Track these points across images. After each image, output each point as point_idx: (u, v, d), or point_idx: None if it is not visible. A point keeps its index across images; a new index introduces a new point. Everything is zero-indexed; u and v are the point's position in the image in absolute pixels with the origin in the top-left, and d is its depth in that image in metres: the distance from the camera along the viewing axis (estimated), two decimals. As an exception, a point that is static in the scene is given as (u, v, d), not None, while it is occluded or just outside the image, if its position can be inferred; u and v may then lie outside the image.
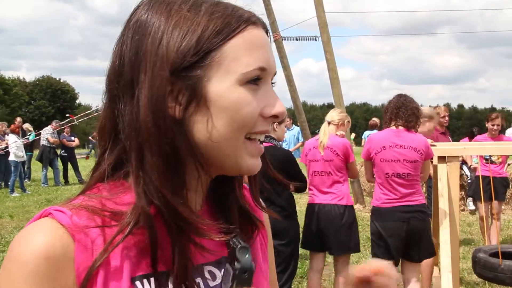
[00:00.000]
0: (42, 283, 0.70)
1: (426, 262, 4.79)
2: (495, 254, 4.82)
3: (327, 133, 4.69)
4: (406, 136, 4.20)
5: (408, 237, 4.19)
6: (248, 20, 0.79)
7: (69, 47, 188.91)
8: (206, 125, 0.76)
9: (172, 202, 0.75)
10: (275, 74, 0.84)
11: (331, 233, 4.48)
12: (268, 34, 0.84)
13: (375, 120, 14.12)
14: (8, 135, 14.98)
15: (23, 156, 14.42)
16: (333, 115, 4.83)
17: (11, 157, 13.99)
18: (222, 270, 0.86)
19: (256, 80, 0.78)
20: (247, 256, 0.65)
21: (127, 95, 0.77)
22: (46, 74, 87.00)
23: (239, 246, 0.65)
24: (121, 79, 0.78)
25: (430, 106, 7.40)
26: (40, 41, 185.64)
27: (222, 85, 0.76)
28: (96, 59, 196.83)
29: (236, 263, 0.65)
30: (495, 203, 7.20)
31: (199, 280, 0.82)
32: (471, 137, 8.07)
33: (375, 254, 4.39)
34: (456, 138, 7.72)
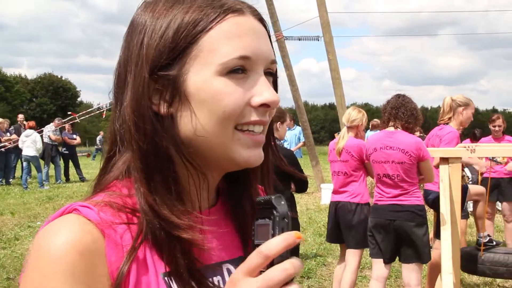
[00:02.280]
0: (78, 278, 0.68)
1: (431, 266, 4.79)
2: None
3: (345, 138, 4.85)
4: (398, 138, 4.19)
5: (396, 236, 4.21)
6: (229, 9, 0.76)
7: (70, 44, 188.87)
8: (190, 119, 0.76)
9: (149, 201, 0.74)
10: (272, 63, 0.80)
11: (345, 228, 4.80)
12: (265, 22, 0.82)
13: (377, 120, 14.10)
14: (9, 132, 15.05)
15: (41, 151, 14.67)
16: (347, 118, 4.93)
17: (31, 152, 14.09)
18: None
19: (239, 69, 0.75)
20: (282, 202, 0.65)
21: (122, 97, 0.79)
22: (47, 71, 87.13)
23: (274, 196, 0.66)
24: (119, 81, 0.80)
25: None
26: (41, 38, 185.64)
27: (200, 78, 0.75)
28: (97, 57, 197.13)
29: (274, 212, 0.65)
30: (505, 204, 7.15)
31: (218, 278, 0.81)
32: (473, 138, 8.07)
33: (370, 251, 4.53)
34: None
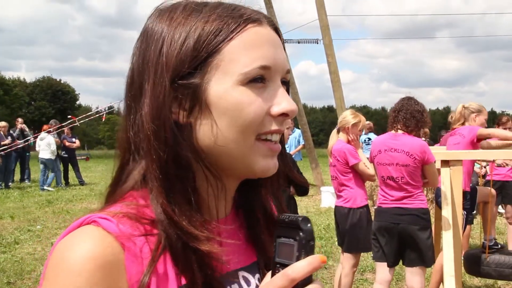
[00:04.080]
0: None
1: (436, 268, 4.79)
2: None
3: (333, 139, 4.94)
4: (402, 140, 4.18)
5: (400, 240, 4.20)
6: (248, 19, 0.77)
7: (68, 47, 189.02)
8: (210, 128, 0.75)
9: (168, 211, 0.74)
10: (287, 72, 0.81)
11: (341, 232, 4.89)
12: (280, 32, 0.83)
13: (369, 123, 14.08)
14: (11, 136, 15.14)
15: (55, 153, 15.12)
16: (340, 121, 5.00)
17: (47, 155, 14.59)
18: (256, 276, 0.86)
19: (260, 79, 0.76)
20: (309, 225, 0.66)
21: (137, 105, 0.78)
22: (45, 74, 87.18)
23: (301, 218, 0.67)
24: (132, 89, 0.79)
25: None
26: (39, 41, 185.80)
27: (221, 87, 0.75)
28: (95, 60, 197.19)
29: (301, 234, 0.66)
30: (508, 207, 7.15)
31: (235, 286, 0.82)
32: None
33: (373, 254, 4.51)
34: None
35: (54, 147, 14.88)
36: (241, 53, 0.75)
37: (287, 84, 0.83)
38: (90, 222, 0.72)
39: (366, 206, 4.84)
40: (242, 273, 0.84)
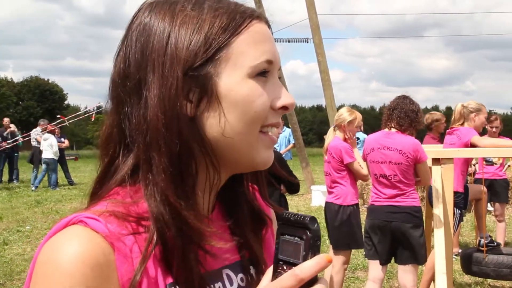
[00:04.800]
0: None
1: (428, 266, 4.81)
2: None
3: (330, 137, 4.97)
4: (395, 138, 4.20)
5: (393, 238, 4.22)
6: (252, 15, 0.79)
7: (56, 47, 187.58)
8: (218, 120, 0.76)
9: (176, 206, 0.73)
10: (279, 69, 0.84)
11: (330, 229, 4.90)
12: (271, 29, 0.84)
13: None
14: (1, 137, 15.07)
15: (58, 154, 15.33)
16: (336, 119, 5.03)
17: (49, 155, 14.78)
18: (239, 276, 0.85)
19: (264, 73, 0.78)
20: (316, 225, 0.67)
21: (135, 97, 0.76)
22: (33, 74, 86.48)
23: (308, 217, 0.67)
24: (127, 81, 0.77)
25: (430, 113, 7.37)
26: (27, 41, 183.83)
27: (232, 79, 0.76)
28: (84, 60, 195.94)
29: (308, 233, 0.66)
30: (497, 205, 7.25)
31: (219, 285, 0.81)
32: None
33: (366, 252, 4.53)
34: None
35: (56, 148, 15.05)
36: (250, 47, 0.77)
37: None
38: (77, 222, 0.71)
39: (357, 204, 4.87)
40: (226, 271, 0.84)
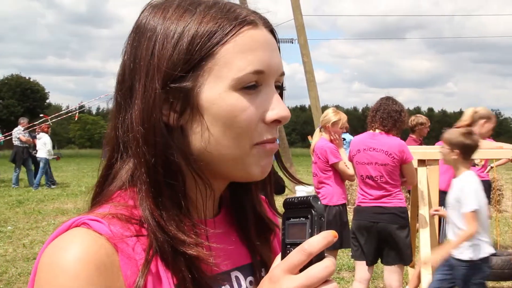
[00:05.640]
0: None
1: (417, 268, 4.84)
2: None
3: (316, 138, 5.04)
4: (380, 140, 4.23)
5: (379, 238, 4.25)
6: (244, 21, 0.75)
7: (38, 45, 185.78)
8: (201, 132, 0.74)
9: (155, 215, 0.72)
10: (281, 75, 0.79)
11: None
12: (275, 33, 0.81)
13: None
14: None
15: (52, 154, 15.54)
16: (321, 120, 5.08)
17: (43, 154, 14.92)
18: (248, 279, 0.85)
19: (254, 85, 0.74)
20: (319, 203, 0.67)
21: (127, 104, 0.76)
22: (14, 72, 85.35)
23: (311, 196, 0.68)
24: (122, 87, 0.77)
25: (416, 115, 7.42)
26: (7, 39, 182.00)
27: (214, 92, 0.73)
28: (65, 58, 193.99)
29: (313, 211, 0.66)
30: None
31: (226, 287, 0.81)
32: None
33: (352, 253, 4.55)
34: (427, 142, 7.78)
35: (49, 146, 15.16)
36: (235, 57, 0.73)
37: (281, 87, 0.82)
38: (79, 224, 0.70)
39: (343, 204, 4.89)
40: (235, 273, 0.84)
